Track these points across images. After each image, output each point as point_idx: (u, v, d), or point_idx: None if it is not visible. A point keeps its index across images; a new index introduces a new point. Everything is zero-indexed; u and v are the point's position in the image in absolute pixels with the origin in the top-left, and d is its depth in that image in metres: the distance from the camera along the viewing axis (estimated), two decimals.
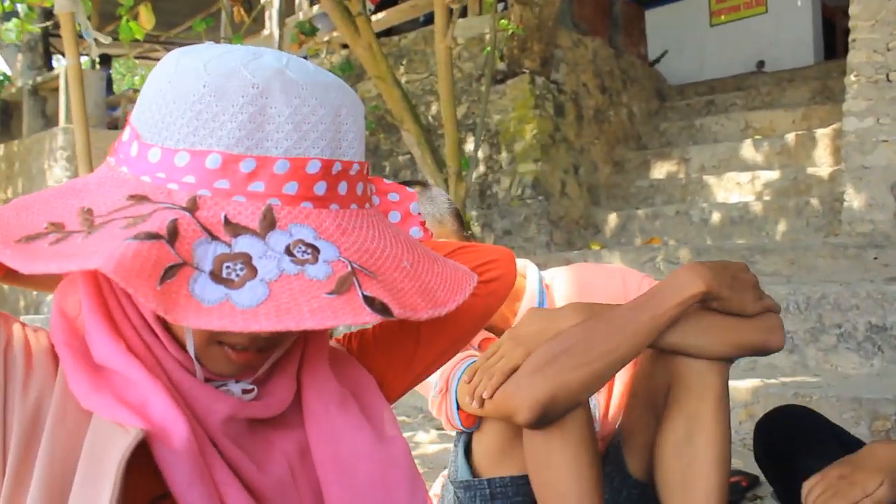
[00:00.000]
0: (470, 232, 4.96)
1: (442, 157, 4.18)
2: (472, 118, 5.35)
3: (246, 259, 0.73)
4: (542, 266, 5.27)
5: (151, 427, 0.76)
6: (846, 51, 4.56)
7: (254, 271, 0.72)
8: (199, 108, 0.77)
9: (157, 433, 0.76)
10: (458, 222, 1.77)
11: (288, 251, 0.74)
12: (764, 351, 1.39)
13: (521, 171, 5.21)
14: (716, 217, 4.73)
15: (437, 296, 0.82)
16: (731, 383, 1.80)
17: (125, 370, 0.79)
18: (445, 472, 1.76)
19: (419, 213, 0.97)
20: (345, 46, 6.08)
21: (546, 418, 1.32)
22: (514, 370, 1.34)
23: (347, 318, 0.72)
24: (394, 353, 1.03)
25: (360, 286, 0.74)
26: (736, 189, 4.96)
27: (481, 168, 5.34)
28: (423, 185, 1.79)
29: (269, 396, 0.89)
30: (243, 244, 0.74)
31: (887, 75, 4.50)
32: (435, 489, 1.87)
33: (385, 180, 0.98)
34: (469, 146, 5.07)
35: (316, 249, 0.76)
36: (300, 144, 0.78)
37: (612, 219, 5.18)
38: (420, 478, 0.93)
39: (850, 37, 4.76)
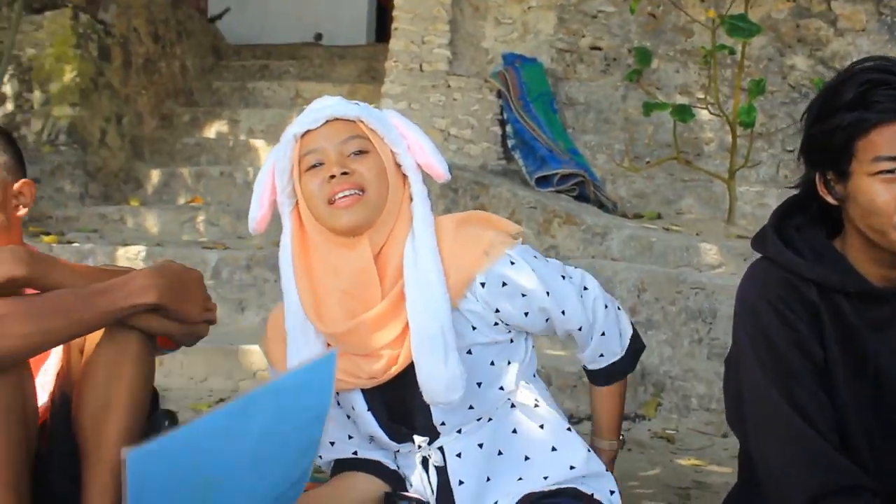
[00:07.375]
0: None
1: None
2: None
3: None
4: (74, 220, 4.82)
5: None
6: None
7: None
8: None
9: None
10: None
11: None
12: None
13: (56, 115, 4.77)
14: None
15: None
16: None
17: None
18: None
19: None
20: None
21: None
22: None
23: None
24: None
25: None
26: None
27: (9, 106, 4.79)
28: None
29: None
30: None
31: (420, 65, 4.94)
32: None
33: None
34: None
35: None
36: None
37: (155, 174, 4.98)
38: None
39: (393, 25, 5.13)
